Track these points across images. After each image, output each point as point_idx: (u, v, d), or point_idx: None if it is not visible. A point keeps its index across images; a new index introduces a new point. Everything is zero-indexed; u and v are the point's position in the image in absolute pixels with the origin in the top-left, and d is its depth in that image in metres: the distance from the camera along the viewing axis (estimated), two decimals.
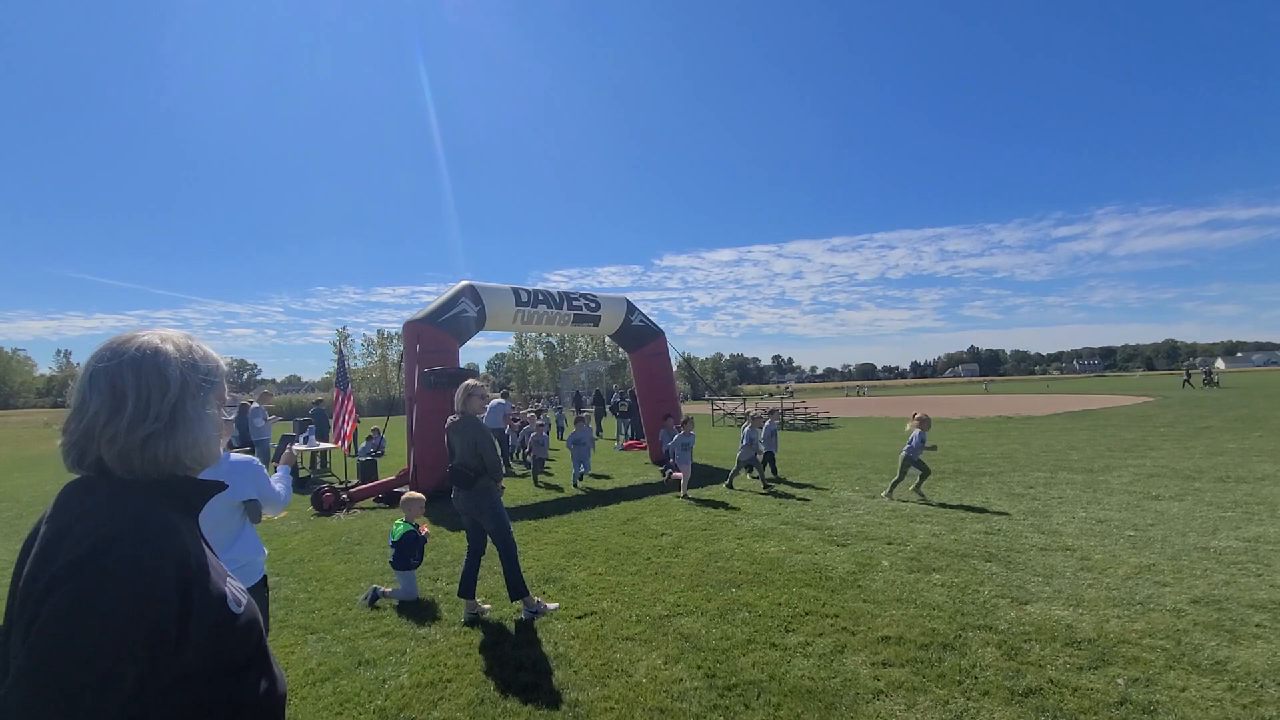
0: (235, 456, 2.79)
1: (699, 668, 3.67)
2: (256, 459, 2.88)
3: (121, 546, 0.90)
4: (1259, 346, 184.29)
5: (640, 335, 12.90)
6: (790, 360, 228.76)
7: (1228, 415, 18.40)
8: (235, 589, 1.05)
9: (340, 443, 10.69)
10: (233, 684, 1.01)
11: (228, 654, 1.00)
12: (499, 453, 4.82)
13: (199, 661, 0.95)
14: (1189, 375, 43.79)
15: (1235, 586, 4.57)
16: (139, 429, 0.98)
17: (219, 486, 1.12)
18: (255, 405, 11.99)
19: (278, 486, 2.99)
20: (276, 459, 5.57)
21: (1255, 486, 8.01)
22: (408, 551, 5.08)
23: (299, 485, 11.42)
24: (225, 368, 1.16)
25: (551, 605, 4.72)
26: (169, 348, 1.05)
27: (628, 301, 12.74)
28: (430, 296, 10.47)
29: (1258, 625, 3.91)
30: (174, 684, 0.92)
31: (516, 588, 4.58)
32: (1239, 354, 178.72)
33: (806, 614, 4.40)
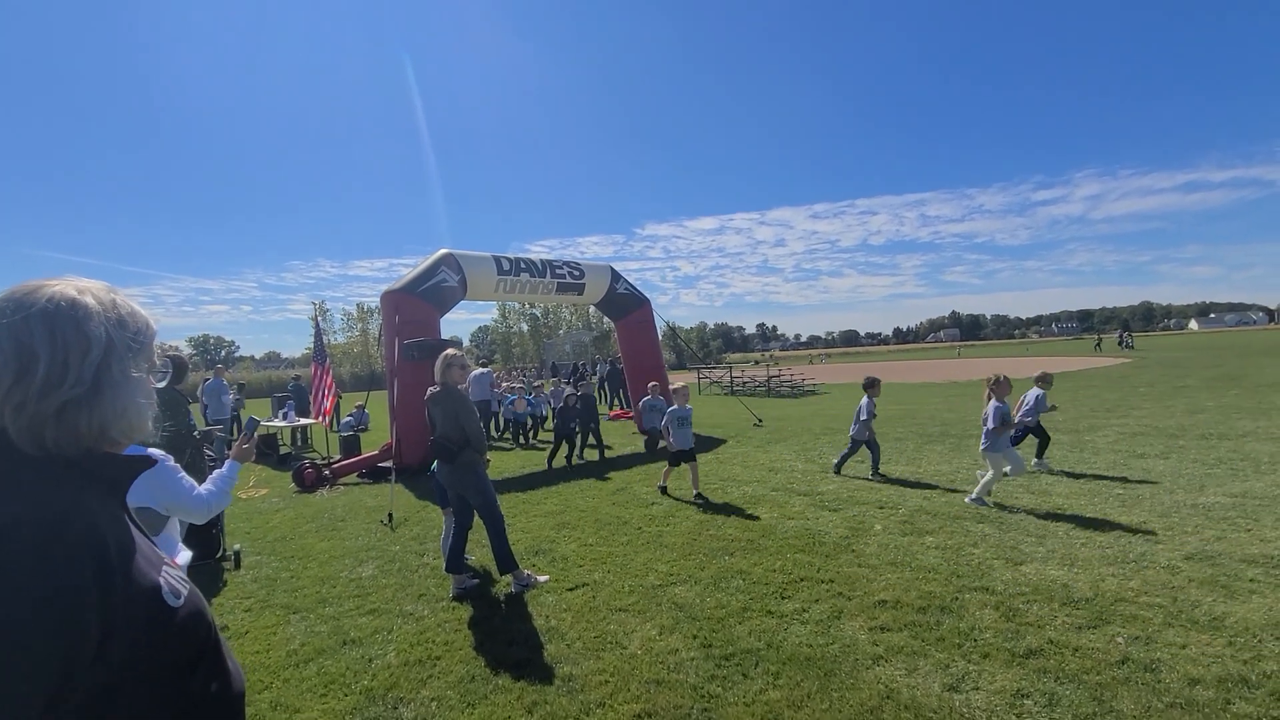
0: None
1: (695, 637, 3.59)
2: (163, 454, 2.30)
3: (21, 535, 0.73)
4: (1231, 307, 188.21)
5: (625, 304, 12.69)
6: (774, 328, 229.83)
7: (1203, 375, 18.72)
8: (174, 579, 0.89)
9: (320, 418, 10.45)
10: (176, 687, 0.86)
11: (167, 653, 0.85)
12: (481, 424, 4.66)
13: (132, 665, 0.80)
14: (1100, 340, 46.81)
15: (1226, 542, 4.58)
16: (54, 395, 0.81)
17: (147, 463, 0.94)
18: (212, 381, 11.46)
19: (208, 487, 2.45)
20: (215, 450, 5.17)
21: (1238, 443, 8.10)
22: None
23: (280, 462, 11.19)
24: (155, 328, 0.98)
25: (542, 578, 4.62)
26: (89, 300, 0.87)
27: (612, 269, 12.49)
28: (409, 270, 10.15)
29: (1252, 580, 3.91)
30: (102, 693, 0.77)
31: (505, 561, 4.46)
32: (1212, 315, 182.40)
33: (801, 580, 4.34)
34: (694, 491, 6.88)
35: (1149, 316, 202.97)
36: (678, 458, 6.97)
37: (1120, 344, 44.22)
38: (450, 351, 4.60)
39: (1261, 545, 4.48)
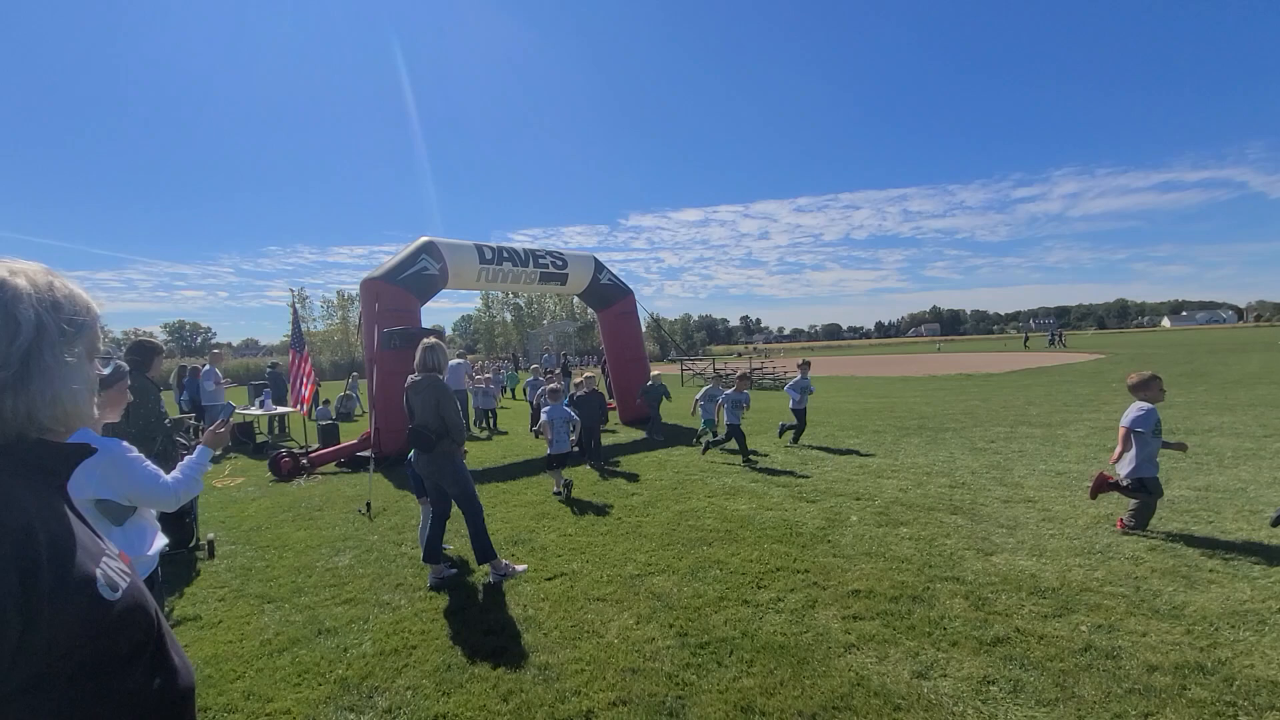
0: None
1: (671, 626, 3.63)
2: (123, 443, 2.28)
3: None
4: (1202, 305, 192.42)
5: (609, 294, 12.66)
6: (758, 321, 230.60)
7: (1173, 371, 19.15)
8: (113, 570, 0.86)
9: (299, 406, 10.32)
10: (113, 682, 0.84)
11: (103, 647, 0.82)
12: (461, 414, 4.65)
13: (61, 659, 0.77)
14: (1028, 338, 48.39)
15: (1189, 534, 4.72)
16: None
17: (85, 451, 0.92)
18: (207, 367, 11.41)
19: (176, 474, 2.36)
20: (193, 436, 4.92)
21: (1203, 438, 8.32)
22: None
23: (257, 451, 11.04)
24: (99, 311, 0.95)
25: (520, 567, 4.62)
26: (20, 282, 0.84)
27: (596, 260, 12.45)
28: (390, 257, 10.04)
29: (1211, 571, 4.03)
30: (28, 687, 0.75)
31: (484, 551, 4.46)
32: (1184, 313, 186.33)
33: (778, 570, 4.40)
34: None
35: (1124, 314, 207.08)
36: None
37: (1051, 342, 44.90)
38: (430, 340, 4.59)
39: (1222, 537, 4.62)
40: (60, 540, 0.81)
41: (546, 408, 7.19)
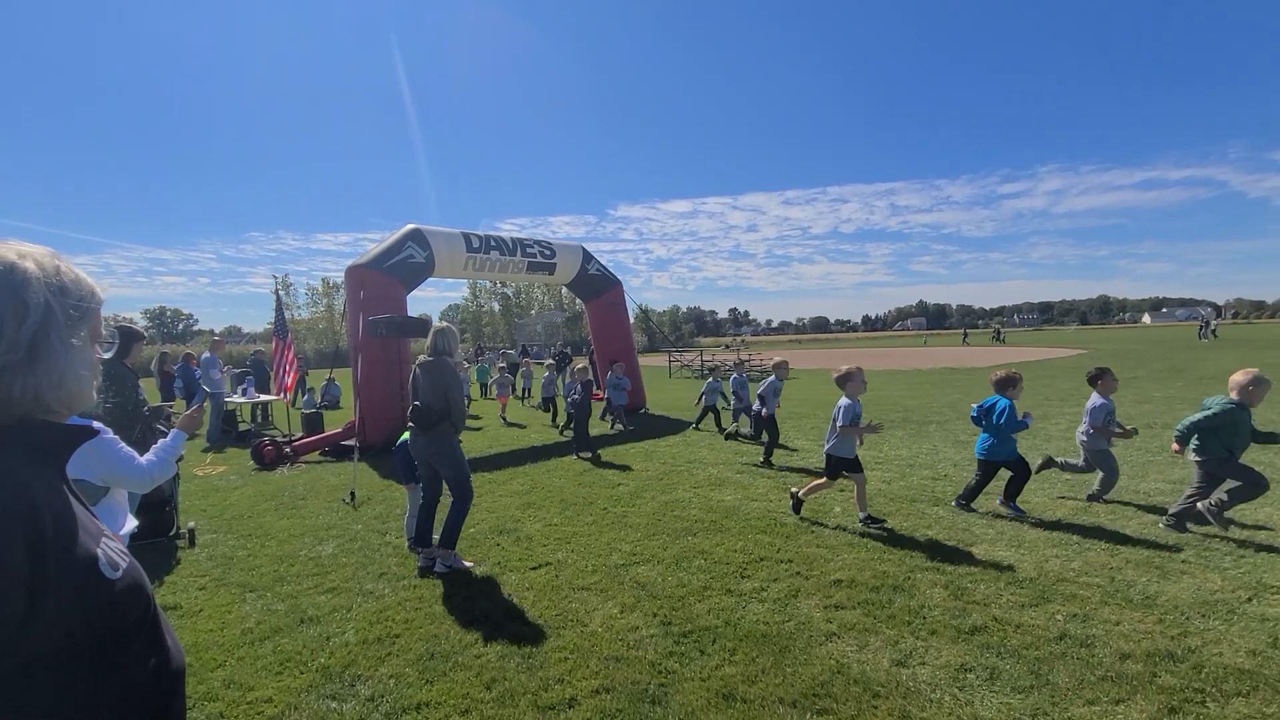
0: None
1: (655, 615, 3.65)
2: (97, 425, 2.40)
3: None
4: (1183, 303, 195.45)
5: (597, 285, 12.64)
6: (746, 313, 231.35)
7: (1152, 367, 19.48)
8: (113, 551, 0.89)
9: (282, 394, 10.22)
10: (110, 661, 0.86)
11: (102, 626, 0.85)
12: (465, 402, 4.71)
13: (62, 637, 0.79)
14: (966, 334, 51.86)
15: (1164, 526, 4.81)
16: None
17: (88, 433, 0.93)
18: (208, 354, 11.33)
19: (150, 456, 2.42)
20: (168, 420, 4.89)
21: None
22: (408, 461, 4.86)
23: (239, 439, 10.94)
24: (102, 296, 0.96)
25: (467, 563, 4.58)
26: (29, 265, 0.85)
27: (584, 250, 12.41)
28: (375, 245, 9.94)
29: (1183, 562, 4.12)
30: (29, 665, 0.77)
31: (451, 538, 4.45)
32: (1164, 310, 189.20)
33: (761, 560, 4.43)
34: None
35: (1106, 310, 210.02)
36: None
37: (994, 338, 48.61)
38: (446, 324, 4.69)
39: (1195, 529, 4.71)
40: (63, 520, 0.83)
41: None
